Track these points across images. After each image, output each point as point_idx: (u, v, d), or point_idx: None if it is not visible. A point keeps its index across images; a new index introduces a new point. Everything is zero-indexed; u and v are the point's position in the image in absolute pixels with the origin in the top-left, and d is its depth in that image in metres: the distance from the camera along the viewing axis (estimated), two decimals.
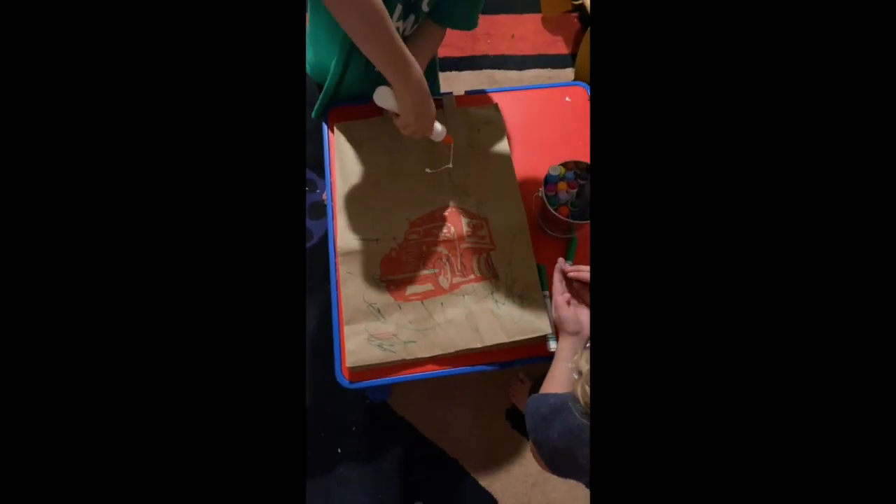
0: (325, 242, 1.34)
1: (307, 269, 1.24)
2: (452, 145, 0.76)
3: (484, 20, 1.73)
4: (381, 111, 0.81)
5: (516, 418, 1.18)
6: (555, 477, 0.52)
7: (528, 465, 1.14)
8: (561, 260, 0.63)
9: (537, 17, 1.77)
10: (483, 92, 0.87)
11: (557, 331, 0.62)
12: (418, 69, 0.63)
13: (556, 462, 0.50)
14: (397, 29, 0.69)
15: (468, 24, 0.75)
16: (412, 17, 0.70)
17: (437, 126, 0.72)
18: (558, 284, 0.60)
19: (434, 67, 0.92)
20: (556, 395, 0.51)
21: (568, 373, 0.54)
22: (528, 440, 1.14)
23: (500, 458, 1.15)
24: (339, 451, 1.15)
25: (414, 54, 0.64)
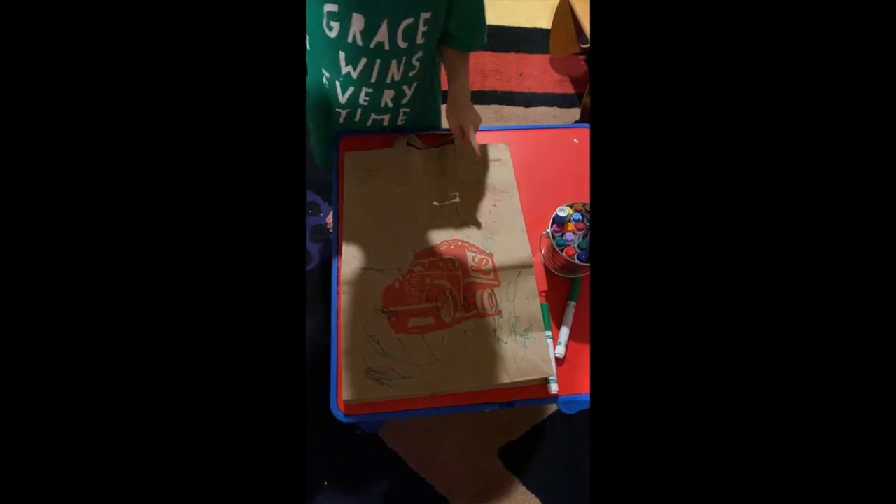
0: (324, 266, 1.33)
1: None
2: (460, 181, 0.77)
3: (494, 57, 1.78)
4: (391, 143, 0.82)
5: (509, 458, 1.14)
6: None
7: None
8: None
9: (546, 57, 1.82)
10: (493, 129, 0.88)
11: None
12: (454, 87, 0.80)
13: None
14: (392, 77, 0.74)
15: (467, 44, 0.75)
16: (402, 59, 0.71)
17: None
18: None
19: (435, 102, 0.91)
20: None
21: None
22: (519, 481, 1.11)
23: (490, 499, 1.12)
24: (326, 482, 1.11)
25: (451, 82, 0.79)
